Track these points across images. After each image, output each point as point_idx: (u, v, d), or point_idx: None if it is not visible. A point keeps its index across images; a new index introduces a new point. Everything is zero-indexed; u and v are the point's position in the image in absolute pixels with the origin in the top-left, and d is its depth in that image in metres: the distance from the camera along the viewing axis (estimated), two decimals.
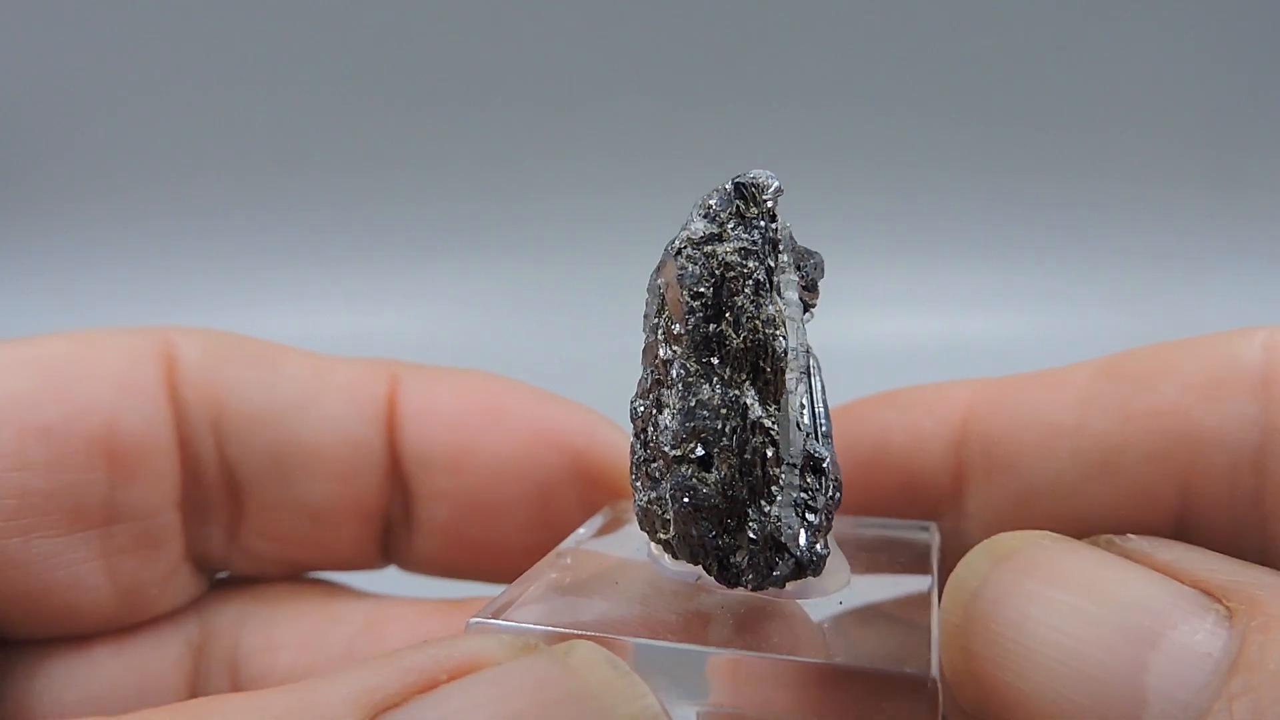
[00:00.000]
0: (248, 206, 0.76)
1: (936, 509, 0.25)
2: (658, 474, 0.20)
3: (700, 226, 0.19)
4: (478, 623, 0.18)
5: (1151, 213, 0.77)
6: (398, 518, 0.27)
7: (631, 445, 0.21)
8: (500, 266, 0.77)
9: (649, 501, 0.20)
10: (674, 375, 0.19)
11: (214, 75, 0.74)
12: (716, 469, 0.19)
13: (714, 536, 0.19)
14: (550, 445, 0.26)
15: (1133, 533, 0.21)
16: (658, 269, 0.20)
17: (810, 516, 0.20)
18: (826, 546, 0.19)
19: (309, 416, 0.26)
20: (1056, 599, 0.16)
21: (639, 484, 0.20)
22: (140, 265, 0.75)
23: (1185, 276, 0.75)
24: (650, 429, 0.20)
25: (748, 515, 0.19)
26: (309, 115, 0.75)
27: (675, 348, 0.19)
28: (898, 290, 0.75)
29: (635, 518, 0.21)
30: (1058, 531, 0.21)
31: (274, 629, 0.26)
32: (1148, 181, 0.77)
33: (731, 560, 0.19)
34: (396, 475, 0.27)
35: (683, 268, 0.19)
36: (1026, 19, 0.74)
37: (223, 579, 0.28)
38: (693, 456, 0.19)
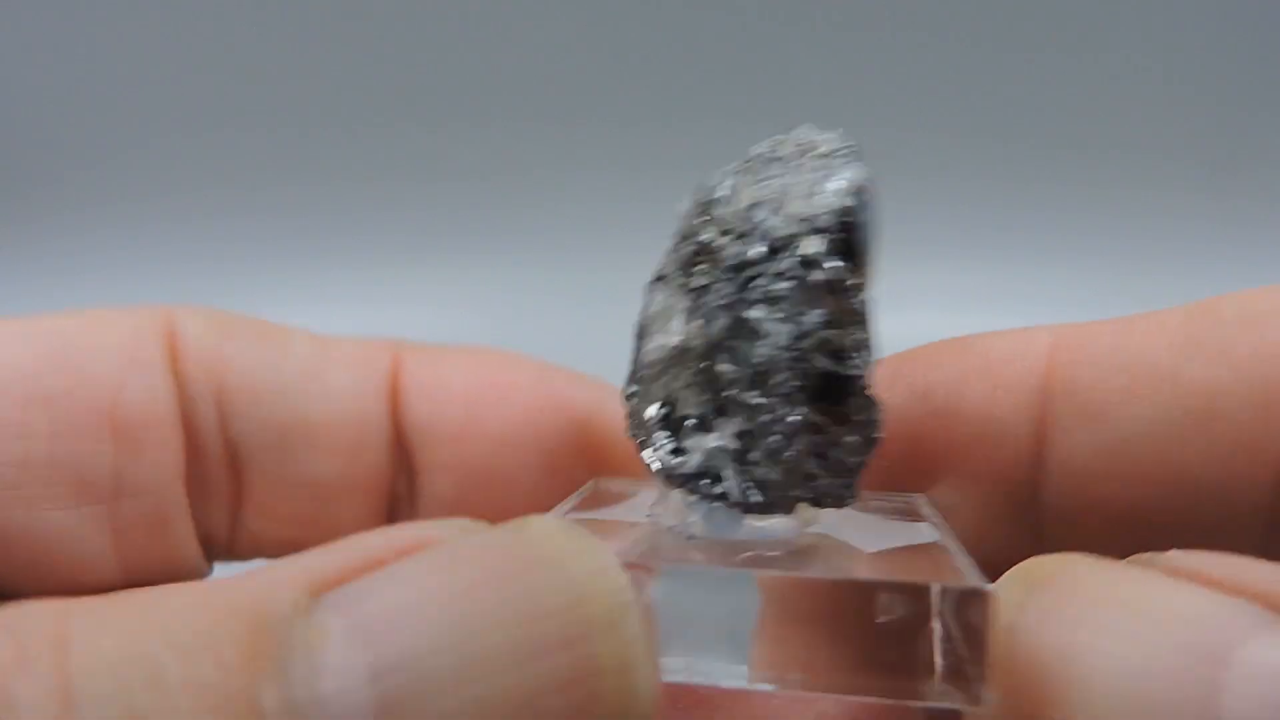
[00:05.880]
0: (249, 208, 0.76)
1: (1014, 463, 0.23)
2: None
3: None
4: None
5: (1153, 214, 0.77)
6: (402, 494, 0.27)
7: (788, 410, 0.20)
8: (500, 268, 0.77)
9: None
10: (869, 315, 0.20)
11: (213, 77, 0.74)
12: None
13: None
14: (555, 414, 0.25)
15: (1230, 489, 0.20)
16: (859, 219, 0.20)
17: None
18: None
19: (313, 391, 0.25)
20: (1107, 622, 0.15)
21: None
22: (141, 266, 0.75)
23: (1186, 277, 0.75)
24: (799, 377, 0.20)
25: None
26: (309, 118, 0.75)
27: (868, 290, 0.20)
28: (898, 290, 0.75)
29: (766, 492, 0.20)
30: (1153, 487, 0.21)
31: None
32: (1149, 183, 0.77)
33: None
34: (400, 450, 0.26)
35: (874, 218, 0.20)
36: (1028, 21, 0.74)
37: None
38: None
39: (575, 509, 0.22)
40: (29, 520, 0.22)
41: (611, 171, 0.76)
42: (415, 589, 0.13)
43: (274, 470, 0.25)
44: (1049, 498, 0.23)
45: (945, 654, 0.16)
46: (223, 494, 0.26)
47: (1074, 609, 0.15)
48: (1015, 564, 0.25)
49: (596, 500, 0.23)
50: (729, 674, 0.17)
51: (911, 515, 0.22)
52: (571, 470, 0.26)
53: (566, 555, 0.14)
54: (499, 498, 0.26)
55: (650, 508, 0.22)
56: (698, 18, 0.73)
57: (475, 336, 0.74)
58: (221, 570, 0.28)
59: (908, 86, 0.75)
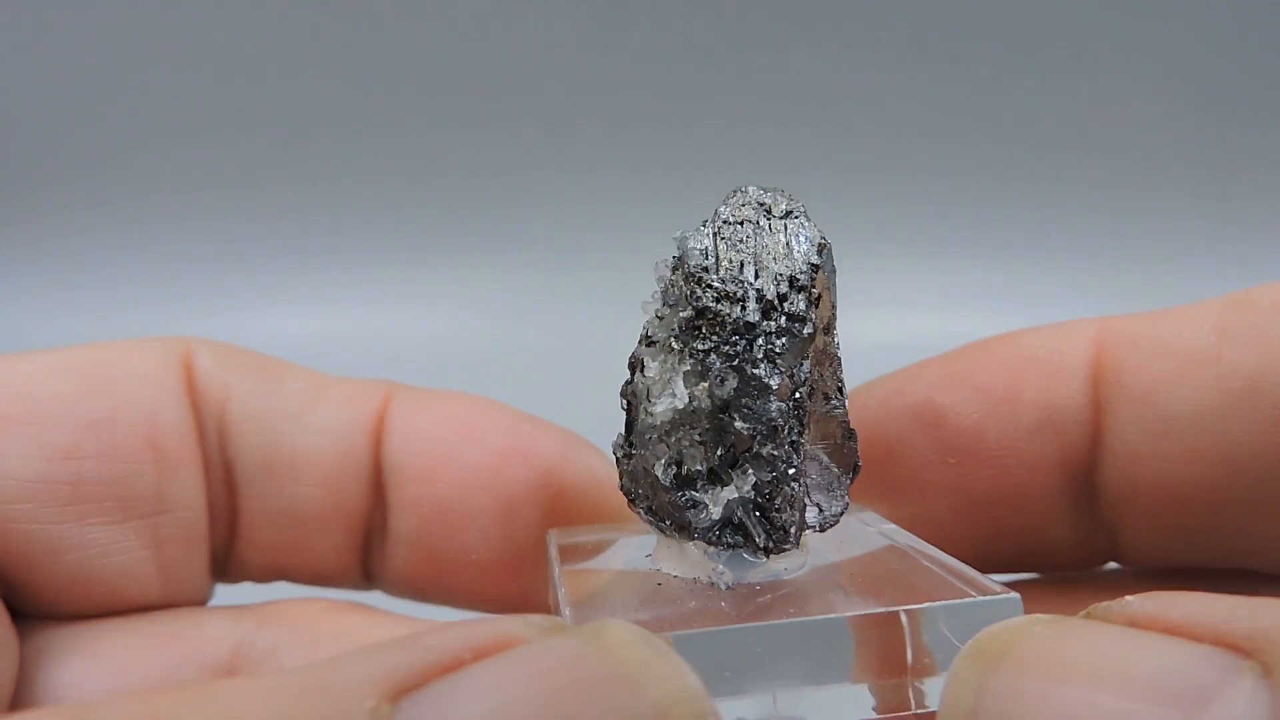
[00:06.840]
0: (250, 207, 0.77)
1: (1076, 445, 0.24)
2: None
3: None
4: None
5: (1152, 214, 0.77)
6: (376, 528, 0.28)
7: (798, 457, 0.21)
8: (500, 268, 0.77)
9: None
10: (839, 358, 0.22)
11: (212, 79, 0.74)
12: None
13: None
14: (520, 460, 0.27)
15: (1274, 465, 0.21)
16: (825, 270, 0.21)
17: None
18: None
19: (303, 424, 0.27)
20: (1069, 698, 0.14)
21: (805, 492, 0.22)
22: (141, 267, 0.75)
23: (1186, 278, 0.75)
24: (799, 424, 0.21)
25: None
26: (309, 118, 0.75)
27: (838, 336, 0.22)
28: (896, 290, 0.75)
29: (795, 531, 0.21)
30: (1202, 465, 0.22)
31: (317, 650, 0.26)
32: (1148, 183, 0.77)
33: None
34: (378, 486, 0.27)
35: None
36: (1026, 23, 0.74)
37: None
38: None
39: (566, 562, 0.23)
40: (80, 536, 0.24)
41: (611, 173, 0.76)
42: (495, 701, 0.13)
43: (261, 496, 0.27)
44: (1104, 480, 0.24)
45: (919, 656, 0.18)
46: (223, 515, 0.27)
47: (1035, 685, 0.15)
48: (1075, 551, 0.25)
49: (576, 553, 0.24)
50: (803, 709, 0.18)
51: (870, 531, 0.24)
52: (530, 517, 0.27)
53: (646, 669, 0.14)
54: (457, 538, 0.27)
55: (648, 558, 0.22)
56: (697, 19, 0.73)
57: (475, 337, 0.74)
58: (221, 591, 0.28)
59: (907, 86, 0.75)
